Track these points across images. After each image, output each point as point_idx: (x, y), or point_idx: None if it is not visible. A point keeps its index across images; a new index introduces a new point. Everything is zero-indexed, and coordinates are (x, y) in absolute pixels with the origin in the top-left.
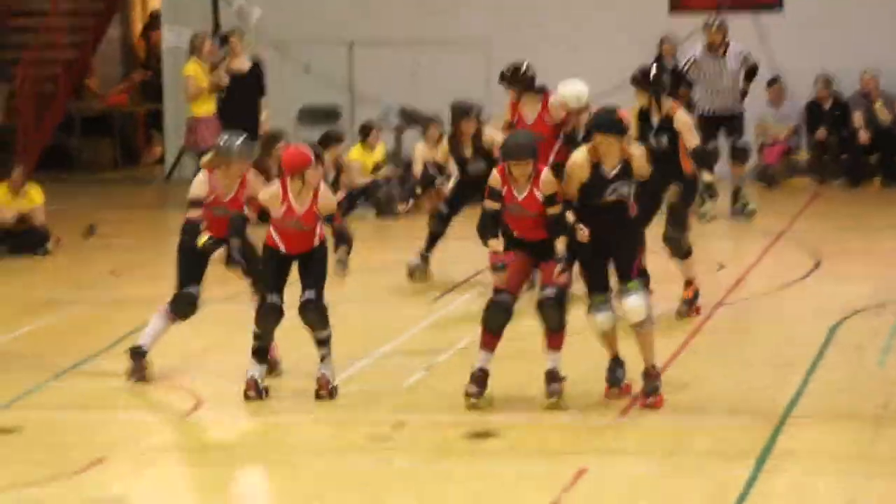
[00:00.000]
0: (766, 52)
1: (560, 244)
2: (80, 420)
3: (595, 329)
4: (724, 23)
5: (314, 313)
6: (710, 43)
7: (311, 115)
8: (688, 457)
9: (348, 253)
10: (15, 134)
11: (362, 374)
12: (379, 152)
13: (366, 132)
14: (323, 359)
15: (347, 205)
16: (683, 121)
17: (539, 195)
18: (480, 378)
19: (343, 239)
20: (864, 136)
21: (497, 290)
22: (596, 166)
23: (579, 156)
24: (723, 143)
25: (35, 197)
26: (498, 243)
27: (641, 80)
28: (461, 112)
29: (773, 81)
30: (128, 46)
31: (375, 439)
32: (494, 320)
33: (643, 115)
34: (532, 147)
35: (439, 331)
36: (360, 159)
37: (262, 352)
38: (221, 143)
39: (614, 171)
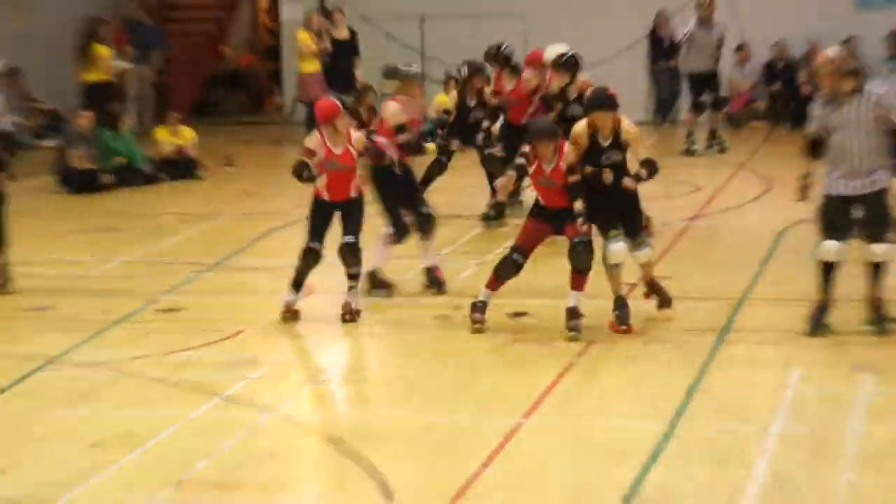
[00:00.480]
0: (737, 24)
1: (578, 204)
2: (225, 301)
3: (610, 260)
4: (714, 1)
5: (351, 254)
6: (701, 17)
7: (392, 72)
8: (668, 331)
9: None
10: (170, 89)
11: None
12: (449, 97)
13: (445, 81)
14: (350, 289)
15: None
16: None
17: (564, 166)
18: (482, 308)
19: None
20: (807, 88)
21: (514, 249)
22: (593, 137)
23: (579, 128)
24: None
25: (187, 135)
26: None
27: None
28: (474, 70)
29: (740, 47)
30: (255, 21)
31: (439, 318)
32: (506, 273)
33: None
34: (551, 130)
35: (484, 239)
36: (441, 102)
37: (297, 284)
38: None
39: (608, 142)
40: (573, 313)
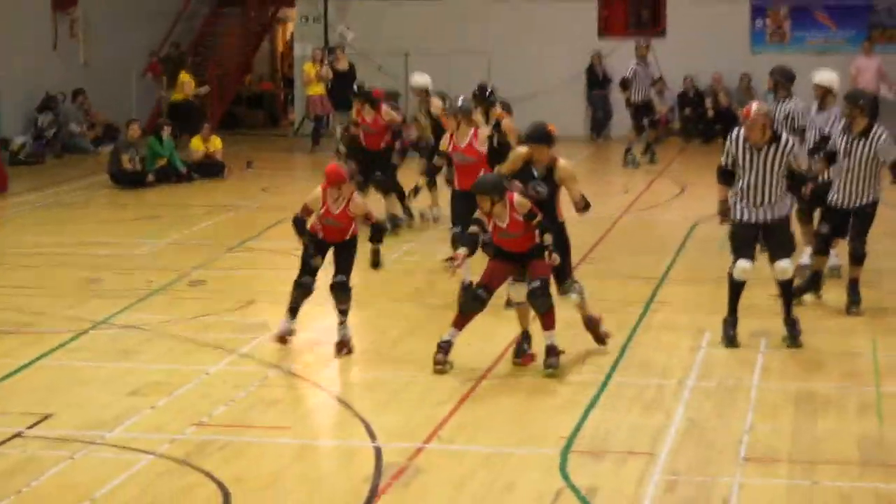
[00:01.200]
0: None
1: (548, 237)
2: (242, 276)
3: (514, 298)
4: (650, 42)
5: (342, 292)
6: (641, 56)
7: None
8: (606, 303)
9: (379, 243)
10: (195, 108)
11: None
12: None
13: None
14: (341, 323)
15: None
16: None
17: (518, 217)
18: (446, 348)
19: (378, 234)
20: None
21: (479, 285)
22: (527, 164)
23: (521, 150)
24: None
25: (216, 143)
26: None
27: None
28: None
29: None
30: (273, 55)
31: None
32: (471, 308)
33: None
34: (496, 184)
35: None
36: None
37: (293, 311)
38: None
39: (541, 174)
40: (551, 351)
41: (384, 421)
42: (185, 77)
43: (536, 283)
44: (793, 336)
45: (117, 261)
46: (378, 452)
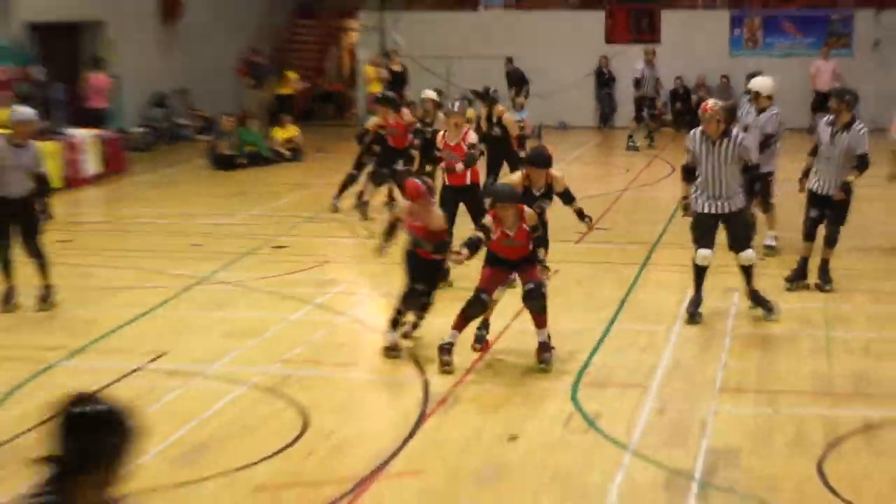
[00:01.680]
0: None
1: (541, 252)
2: (316, 241)
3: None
4: (655, 49)
5: (424, 299)
6: (649, 60)
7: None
8: (610, 264)
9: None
10: (297, 99)
11: None
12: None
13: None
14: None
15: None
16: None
17: (526, 227)
18: (449, 349)
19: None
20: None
21: (480, 290)
22: (527, 187)
23: (515, 178)
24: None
25: (292, 131)
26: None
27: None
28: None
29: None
30: (340, 59)
31: None
32: (475, 312)
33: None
34: (515, 194)
35: None
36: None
37: (395, 322)
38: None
39: (540, 192)
40: (544, 347)
41: (433, 358)
42: (291, 75)
43: (532, 286)
44: (767, 308)
45: (215, 229)
46: (426, 384)
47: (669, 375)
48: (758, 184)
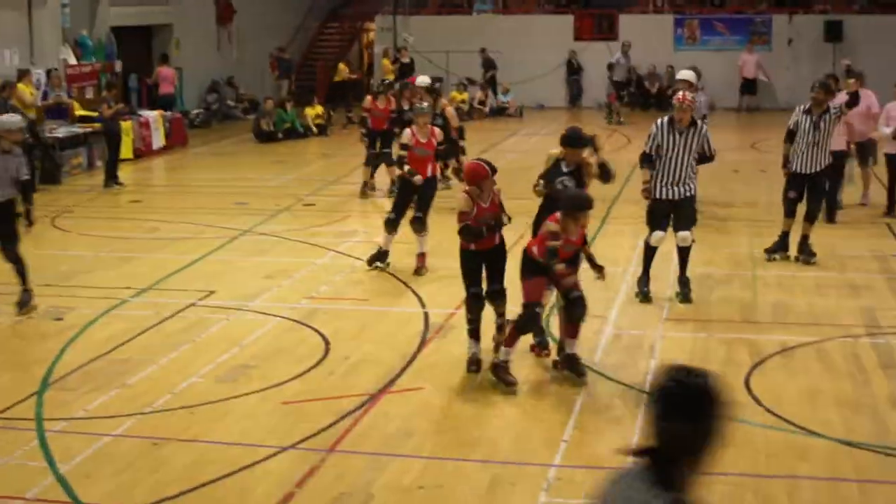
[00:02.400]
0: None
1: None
2: (340, 200)
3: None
4: (630, 43)
5: (500, 297)
6: (624, 52)
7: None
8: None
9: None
10: (349, 85)
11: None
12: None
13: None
14: (499, 328)
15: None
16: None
17: (584, 233)
18: (506, 366)
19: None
20: (651, 90)
21: (532, 305)
22: (558, 162)
23: (554, 152)
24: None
25: (318, 109)
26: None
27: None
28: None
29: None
30: (361, 53)
31: None
32: (529, 327)
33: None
34: (592, 201)
35: None
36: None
37: (475, 333)
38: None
39: (569, 168)
40: (577, 359)
41: (431, 295)
42: (342, 66)
43: (578, 294)
44: (684, 294)
45: (257, 190)
46: (426, 316)
47: (625, 307)
48: None
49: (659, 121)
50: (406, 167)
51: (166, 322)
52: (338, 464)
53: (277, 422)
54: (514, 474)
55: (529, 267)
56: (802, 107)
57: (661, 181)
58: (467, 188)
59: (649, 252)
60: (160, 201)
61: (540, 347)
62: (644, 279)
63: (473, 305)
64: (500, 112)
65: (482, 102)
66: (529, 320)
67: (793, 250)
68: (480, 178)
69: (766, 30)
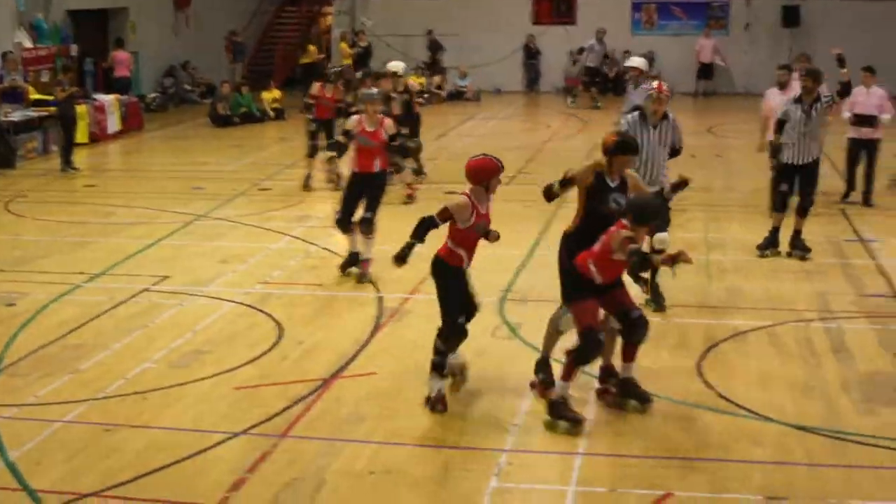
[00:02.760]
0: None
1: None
2: (294, 183)
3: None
4: (605, 29)
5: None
6: (599, 38)
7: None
8: (533, 202)
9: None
10: (317, 67)
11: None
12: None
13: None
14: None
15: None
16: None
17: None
18: (566, 403)
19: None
20: (610, 74)
21: (593, 329)
22: (600, 175)
23: (592, 163)
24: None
25: (275, 94)
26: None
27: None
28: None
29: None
30: (319, 37)
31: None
32: (592, 356)
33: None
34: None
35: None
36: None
37: (440, 367)
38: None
39: (615, 183)
40: (635, 384)
41: (385, 280)
42: (311, 48)
43: (639, 313)
44: (658, 302)
45: (212, 175)
46: (380, 300)
47: None
48: None
49: (629, 116)
50: (334, 155)
51: (120, 307)
52: (290, 449)
53: (230, 407)
54: (465, 459)
55: (579, 286)
56: (791, 97)
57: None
58: (469, 189)
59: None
60: (115, 186)
61: (544, 386)
62: (654, 287)
63: (453, 336)
64: (457, 96)
65: (440, 87)
66: (592, 348)
67: (784, 246)
68: (489, 174)
69: (724, 14)
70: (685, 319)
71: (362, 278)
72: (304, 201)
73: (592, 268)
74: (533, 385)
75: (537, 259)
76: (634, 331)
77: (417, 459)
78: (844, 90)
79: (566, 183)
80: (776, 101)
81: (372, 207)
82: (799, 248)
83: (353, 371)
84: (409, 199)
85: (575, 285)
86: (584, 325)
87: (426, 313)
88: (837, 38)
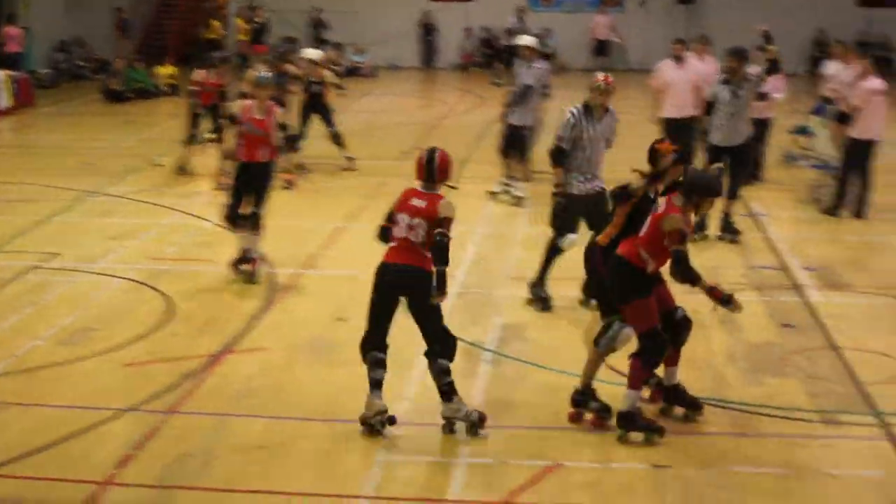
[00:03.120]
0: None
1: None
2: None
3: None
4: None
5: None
6: (520, 16)
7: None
8: None
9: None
10: (220, 42)
11: None
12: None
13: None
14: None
15: None
16: None
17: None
18: (640, 415)
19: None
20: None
21: (654, 330)
22: (647, 195)
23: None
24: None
25: (170, 69)
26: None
27: None
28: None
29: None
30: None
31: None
32: (659, 358)
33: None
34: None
35: None
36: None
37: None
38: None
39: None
40: (684, 390)
41: (277, 256)
42: (216, 23)
43: (683, 312)
44: (544, 303)
45: (105, 151)
46: (271, 276)
47: (472, 266)
48: (516, 138)
49: (574, 109)
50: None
51: (8, 285)
52: (179, 425)
53: (119, 384)
54: (353, 432)
55: (633, 284)
56: (719, 78)
57: (577, 177)
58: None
59: (553, 256)
60: (5, 162)
61: (600, 417)
62: (541, 284)
63: (454, 348)
64: (353, 72)
65: (336, 63)
66: (661, 348)
67: (713, 229)
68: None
69: None
70: (575, 293)
71: (251, 278)
72: (198, 177)
73: (644, 254)
74: (584, 419)
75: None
76: (679, 332)
77: (307, 434)
78: (773, 68)
79: (626, 197)
80: (670, 74)
81: (259, 202)
82: (729, 231)
83: (243, 347)
84: (289, 185)
85: (627, 284)
86: (648, 325)
87: (317, 290)
88: (732, 15)
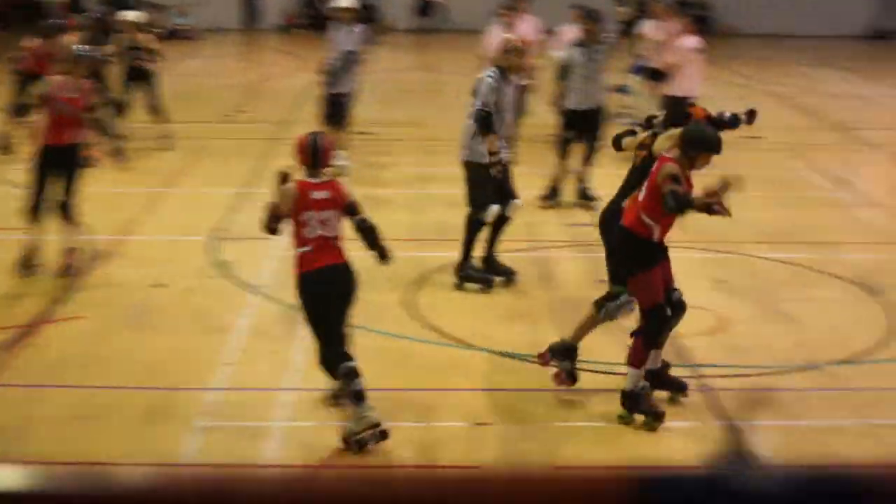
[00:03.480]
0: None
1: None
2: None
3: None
4: None
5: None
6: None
7: None
8: (250, 142)
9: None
10: None
11: None
12: None
13: None
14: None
15: None
16: None
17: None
18: (646, 395)
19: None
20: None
21: (659, 306)
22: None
23: (640, 138)
24: None
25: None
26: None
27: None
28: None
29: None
30: None
31: None
32: (662, 335)
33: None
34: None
35: None
36: None
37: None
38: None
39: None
40: (667, 371)
41: (97, 221)
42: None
43: (679, 294)
44: (509, 275)
45: None
46: (90, 242)
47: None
48: (335, 106)
49: (492, 72)
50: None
51: None
52: None
53: None
54: (172, 400)
55: (641, 253)
56: (572, 40)
57: (502, 141)
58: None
59: (476, 231)
60: None
61: (570, 377)
62: (467, 263)
63: (349, 377)
64: (175, 35)
65: (159, 26)
66: (663, 326)
67: (568, 195)
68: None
69: None
70: (398, 253)
71: (68, 271)
72: (13, 143)
73: (646, 219)
74: (556, 375)
75: (250, 197)
76: (674, 314)
77: (125, 403)
78: (626, 30)
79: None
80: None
81: (70, 189)
82: (586, 196)
83: (61, 315)
84: (93, 160)
85: (632, 255)
86: (652, 300)
87: (136, 256)
88: None
